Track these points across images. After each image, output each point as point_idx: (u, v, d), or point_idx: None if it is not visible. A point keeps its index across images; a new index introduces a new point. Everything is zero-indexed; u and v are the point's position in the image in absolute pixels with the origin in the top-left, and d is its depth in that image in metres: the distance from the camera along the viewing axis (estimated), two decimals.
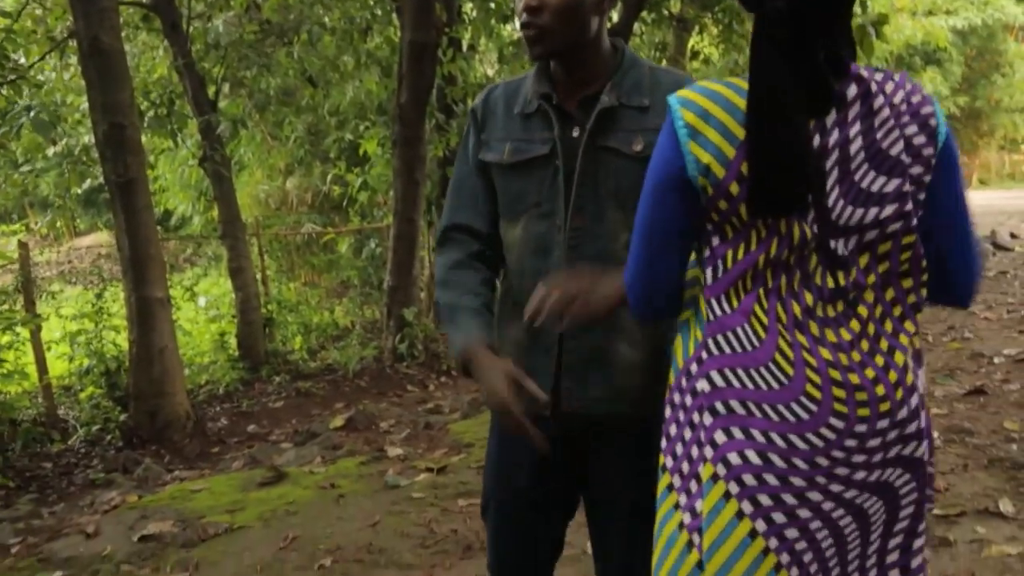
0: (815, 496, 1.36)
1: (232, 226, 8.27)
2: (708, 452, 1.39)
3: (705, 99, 1.37)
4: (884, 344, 1.39)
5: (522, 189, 1.81)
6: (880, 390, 1.35)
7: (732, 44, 9.58)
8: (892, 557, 1.45)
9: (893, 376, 1.37)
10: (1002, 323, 7.73)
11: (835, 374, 1.35)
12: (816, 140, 1.34)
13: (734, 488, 1.35)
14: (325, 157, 11.07)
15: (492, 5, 9.44)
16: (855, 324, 1.38)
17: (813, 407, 1.34)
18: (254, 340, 8.50)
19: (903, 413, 1.37)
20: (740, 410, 1.36)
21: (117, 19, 5.92)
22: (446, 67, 8.23)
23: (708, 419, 1.39)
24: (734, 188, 1.34)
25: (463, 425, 5.42)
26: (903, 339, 1.40)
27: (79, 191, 12.92)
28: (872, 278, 1.40)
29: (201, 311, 9.92)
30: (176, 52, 7.77)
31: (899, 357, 1.39)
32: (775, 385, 1.35)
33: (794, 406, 1.34)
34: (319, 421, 6.60)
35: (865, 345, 1.37)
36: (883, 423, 1.36)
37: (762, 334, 1.36)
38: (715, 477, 1.37)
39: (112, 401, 7.11)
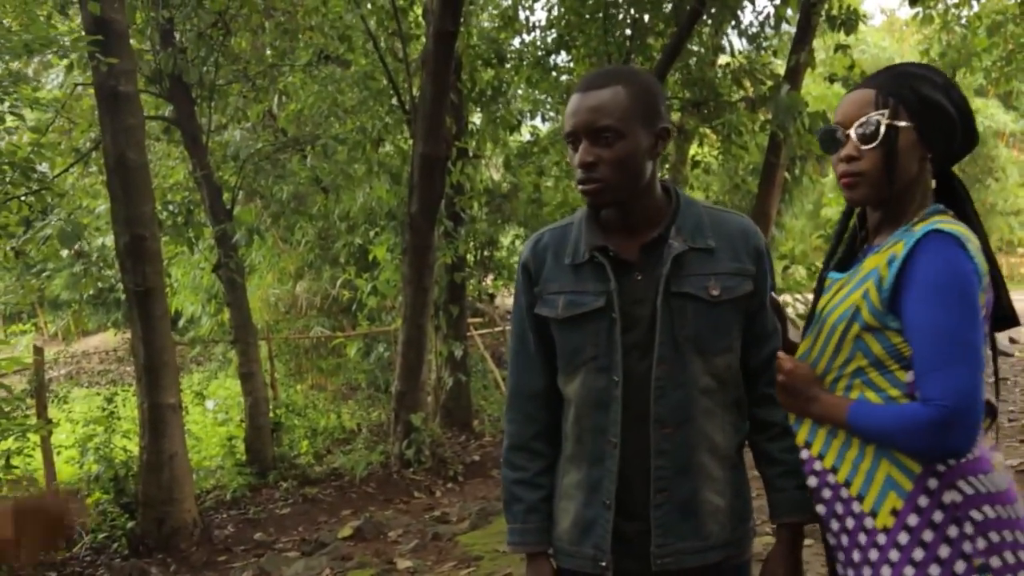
0: None
1: (244, 331, 8.40)
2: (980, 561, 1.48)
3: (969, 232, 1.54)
4: None
5: (579, 343, 1.77)
6: None
7: (731, 154, 9.89)
8: None
9: None
10: (1002, 432, 7.75)
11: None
12: None
13: None
14: (335, 261, 11.29)
15: (500, 115, 9.79)
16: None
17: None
18: (262, 445, 8.52)
19: None
20: (991, 514, 1.49)
21: (143, 136, 6.17)
22: (455, 176, 8.49)
23: (969, 528, 1.49)
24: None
25: (472, 537, 5.42)
26: None
27: (91, 292, 13.18)
28: None
29: (209, 414, 9.97)
30: (195, 163, 8.04)
31: None
32: (1004, 487, 1.52)
33: (1019, 506, 1.52)
34: (327, 529, 6.59)
35: None
36: None
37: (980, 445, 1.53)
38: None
39: (119, 507, 7.10)
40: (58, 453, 7.69)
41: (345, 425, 10.29)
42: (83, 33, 6.09)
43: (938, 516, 1.49)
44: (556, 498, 1.87)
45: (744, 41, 9.25)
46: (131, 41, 7.02)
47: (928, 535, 1.50)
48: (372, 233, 9.94)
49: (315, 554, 5.63)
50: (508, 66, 9.72)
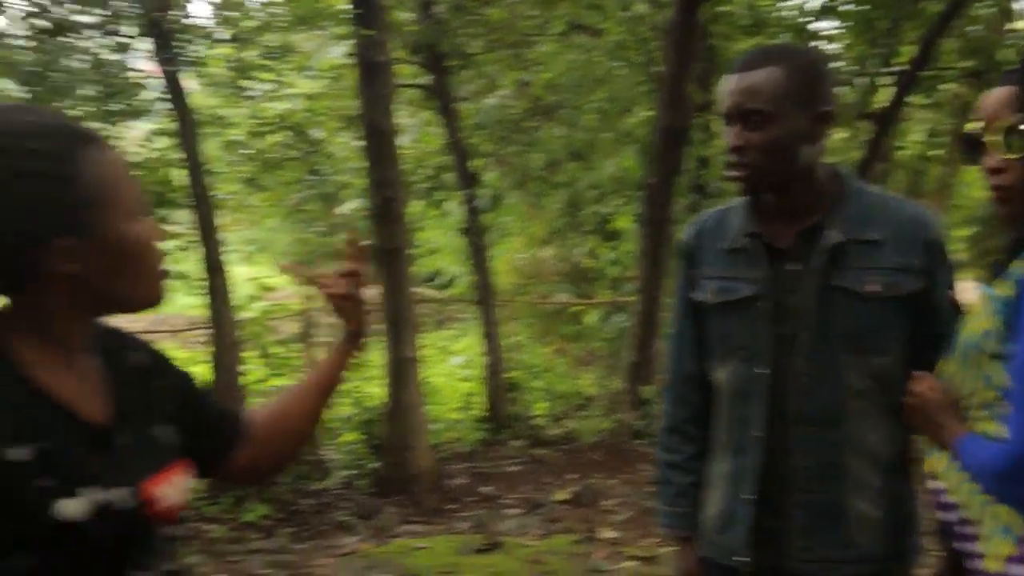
0: None
1: (485, 293, 8.76)
2: None
3: None
4: None
5: (729, 330, 1.75)
6: None
7: None
8: None
9: None
10: None
11: None
12: None
13: None
14: (581, 229, 11.44)
15: None
16: None
17: None
18: (499, 403, 8.88)
19: None
20: None
21: (390, 104, 6.54)
22: (700, 149, 8.28)
23: None
24: None
25: None
26: None
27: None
28: None
29: (455, 369, 10.50)
30: (447, 130, 8.44)
31: None
32: None
33: None
34: (548, 491, 6.76)
35: None
36: None
37: None
38: None
39: (369, 448, 7.69)
40: None
41: (583, 391, 10.44)
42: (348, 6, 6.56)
43: None
44: (705, 484, 1.84)
45: None
46: (395, 13, 7.49)
47: None
48: (618, 203, 9.96)
49: (530, 513, 5.81)
50: (766, 33, 9.27)
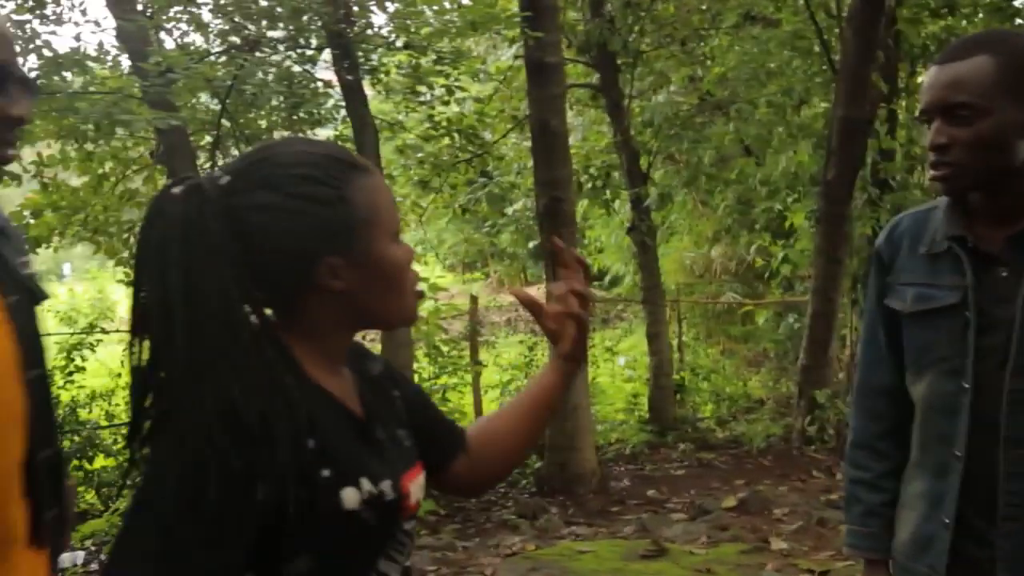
0: None
1: (652, 293, 8.67)
2: None
3: None
4: None
5: (927, 341, 1.62)
6: None
7: None
8: None
9: None
10: None
11: None
12: None
13: None
14: (752, 227, 11.15)
15: None
16: None
17: None
18: (664, 404, 8.76)
19: None
20: None
21: (563, 104, 6.57)
22: (882, 142, 7.87)
23: None
24: None
25: None
26: None
27: (528, 247, 14.48)
28: None
29: (620, 370, 10.44)
30: (616, 128, 8.40)
31: None
32: None
33: None
34: (715, 496, 6.60)
35: None
36: None
37: None
38: None
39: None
40: (485, 392, 8.60)
41: (751, 394, 10.16)
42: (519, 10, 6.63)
43: None
44: (899, 505, 1.72)
45: None
46: (566, 12, 7.53)
47: None
48: (792, 199, 9.62)
49: (697, 519, 5.69)
50: (959, 15, 8.70)
